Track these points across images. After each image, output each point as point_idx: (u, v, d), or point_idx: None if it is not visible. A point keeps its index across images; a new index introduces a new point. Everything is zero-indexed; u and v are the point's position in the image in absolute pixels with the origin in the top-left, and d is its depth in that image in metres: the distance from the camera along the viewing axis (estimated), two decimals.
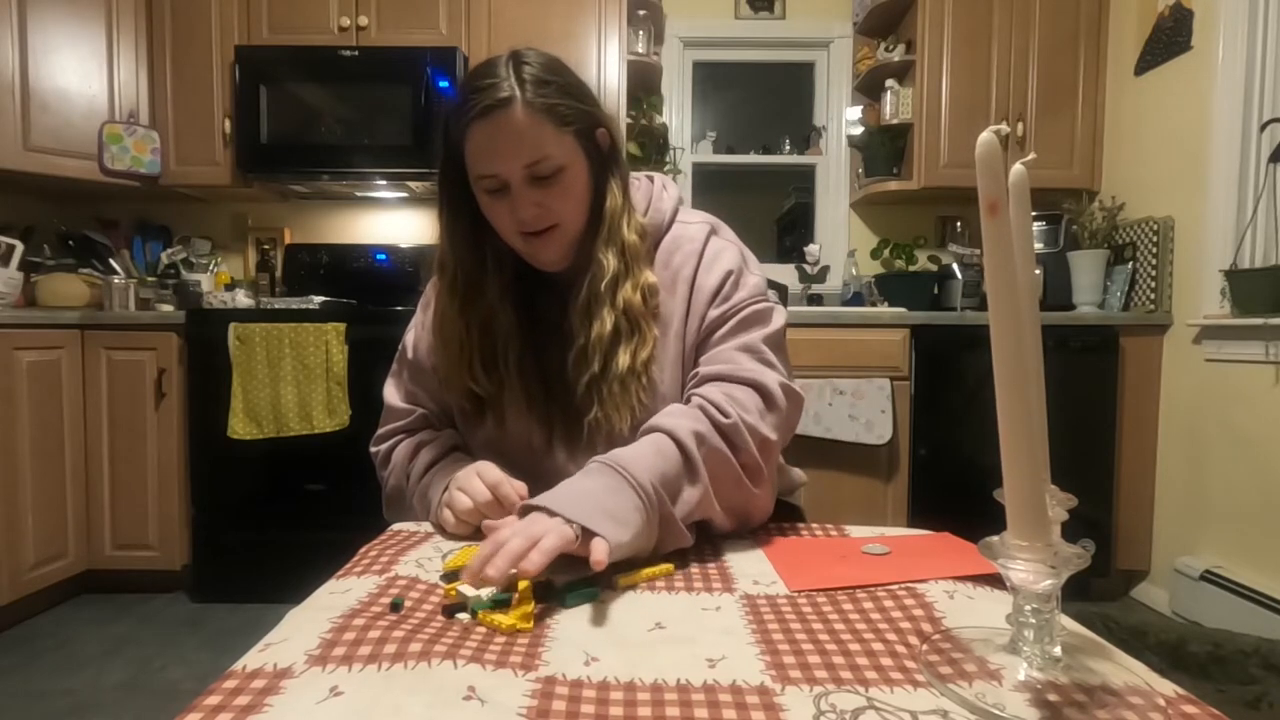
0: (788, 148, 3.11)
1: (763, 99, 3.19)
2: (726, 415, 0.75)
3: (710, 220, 0.92)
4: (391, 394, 0.96)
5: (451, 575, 0.61)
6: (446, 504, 0.77)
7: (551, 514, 0.62)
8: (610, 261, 0.83)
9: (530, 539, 0.58)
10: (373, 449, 0.95)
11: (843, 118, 2.98)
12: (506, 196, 0.80)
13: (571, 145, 0.81)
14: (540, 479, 0.76)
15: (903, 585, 0.60)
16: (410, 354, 0.95)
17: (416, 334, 0.96)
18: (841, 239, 3.00)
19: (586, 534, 0.61)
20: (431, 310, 0.92)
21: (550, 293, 0.89)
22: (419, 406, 0.94)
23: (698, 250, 0.88)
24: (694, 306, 0.86)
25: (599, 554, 0.59)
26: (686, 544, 0.71)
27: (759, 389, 0.79)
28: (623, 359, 0.82)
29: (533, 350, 0.87)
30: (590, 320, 0.83)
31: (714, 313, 0.85)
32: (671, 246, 0.89)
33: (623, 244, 0.84)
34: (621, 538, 0.62)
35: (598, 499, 0.64)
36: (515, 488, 0.74)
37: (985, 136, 0.39)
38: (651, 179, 0.93)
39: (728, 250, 0.89)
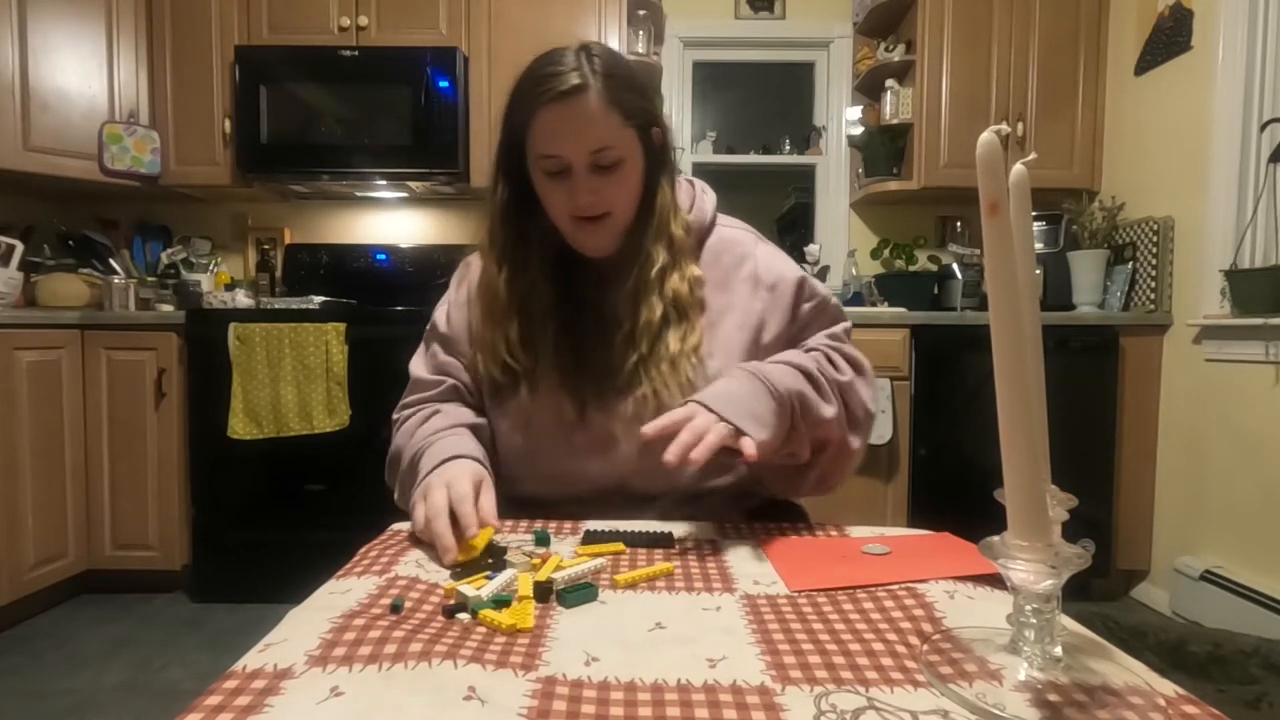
0: (788, 148, 3.11)
1: (763, 99, 3.19)
2: (842, 374, 0.86)
3: (749, 227, 0.99)
4: (419, 367, 0.97)
5: (460, 573, 0.61)
6: (420, 498, 0.74)
7: (708, 410, 0.72)
8: (659, 253, 0.88)
9: (696, 434, 0.69)
10: (394, 416, 0.96)
11: (843, 118, 2.98)
12: (565, 180, 0.84)
13: (633, 139, 0.85)
14: (570, 451, 0.86)
15: (903, 585, 0.60)
16: (443, 327, 0.96)
17: (448, 308, 0.97)
18: (841, 239, 3.00)
19: (738, 432, 0.71)
20: (467, 284, 0.96)
21: (586, 271, 0.91)
22: (448, 378, 0.95)
23: (751, 252, 0.94)
24: (773, 301, 0.92)
25: (749, 450, 0.71)
26: (804, 456, 0.83)
27: (858, 363, 0.90)
28: (673, 343, 0.86)
29: (568, 326, 0.90)
30: (638, 306, 0.87)
31: (806, 306, 0.93)
32: (719, 247, 0.94)
33: (670, 238, 0.89)
34: (764, 436, 0.73)
35: (745, 403, 0.74)
36: (482, 513, 0.70)
37: (986, 137, 0.39)
38: (692, 182, 0.97)
39: (779, 254, 0.96)
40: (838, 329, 0.93)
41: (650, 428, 0.71)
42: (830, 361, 0.87)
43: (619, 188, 0.85)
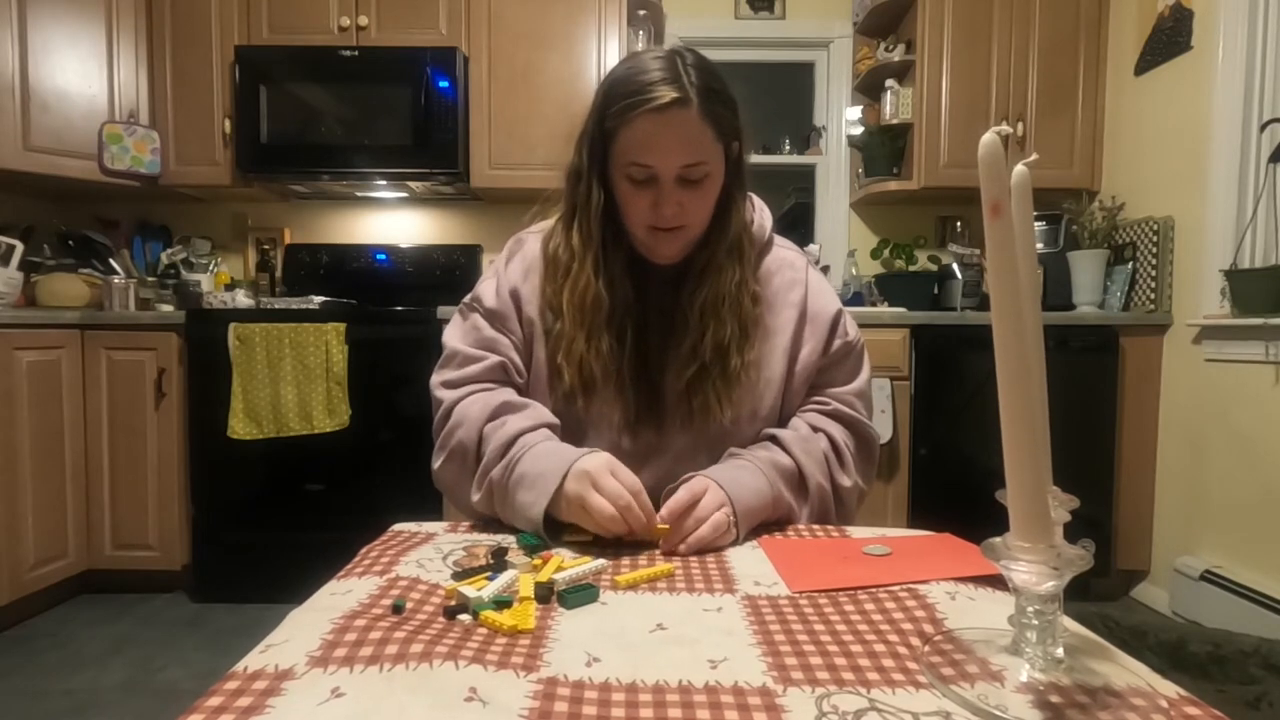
0: (788, 148, 3.10)
1: (763, 99, 3.19)
2: (847, 476, 0.90)
3: (800, 250, 1.00)
4: (456, 340, 0.93)
5: (462, 575, 0.61)
6: (581, 505, 0.72)
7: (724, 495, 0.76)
8: (734, 267, 0.89)
9: (716, 531, 0.72)
10: (443, 393, 0.90)
11: (843, 118, 2.98)
12: (650, 189, 0.84)
13: (720, 154, 0.85)
14: (618, 456, 0.82)
15: (904, 586, 0.60)
16: (491, 301, 0.93)
17: (498, 283, 0.94)
18: (841, 239, 3.00)
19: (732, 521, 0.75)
20: (522, 262, 0.94)
21: (655, 274, 0.92)
22: (493, 354, 0.91)
23: (802, 279, 0.96)
24: (811, 330, 0.94)
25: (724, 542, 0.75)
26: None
27: (868, 445, 0.94)
28: (733, 360, 0.88)
29: (639, 332, 0.90)
30: (706, 320, 0.88)
31: (838, 343, 0.95)
32: (773, 267, 0.96)
33: (742, 252, 0.90)
34: (746, 528, 0.77)
35: (752, 499, 0.78)
36: (644, 506, 0.72)
37: (988, 138, 0.39)
38: (751, 198, 0.97)
39: (827, 285, 0.99)
40: (861, 382, 0.96)
41: (671, 508, 0.73)
42: (837, 455, 0.90)
43: (700, 202, 0.85)
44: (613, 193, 0.87)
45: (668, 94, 0.79)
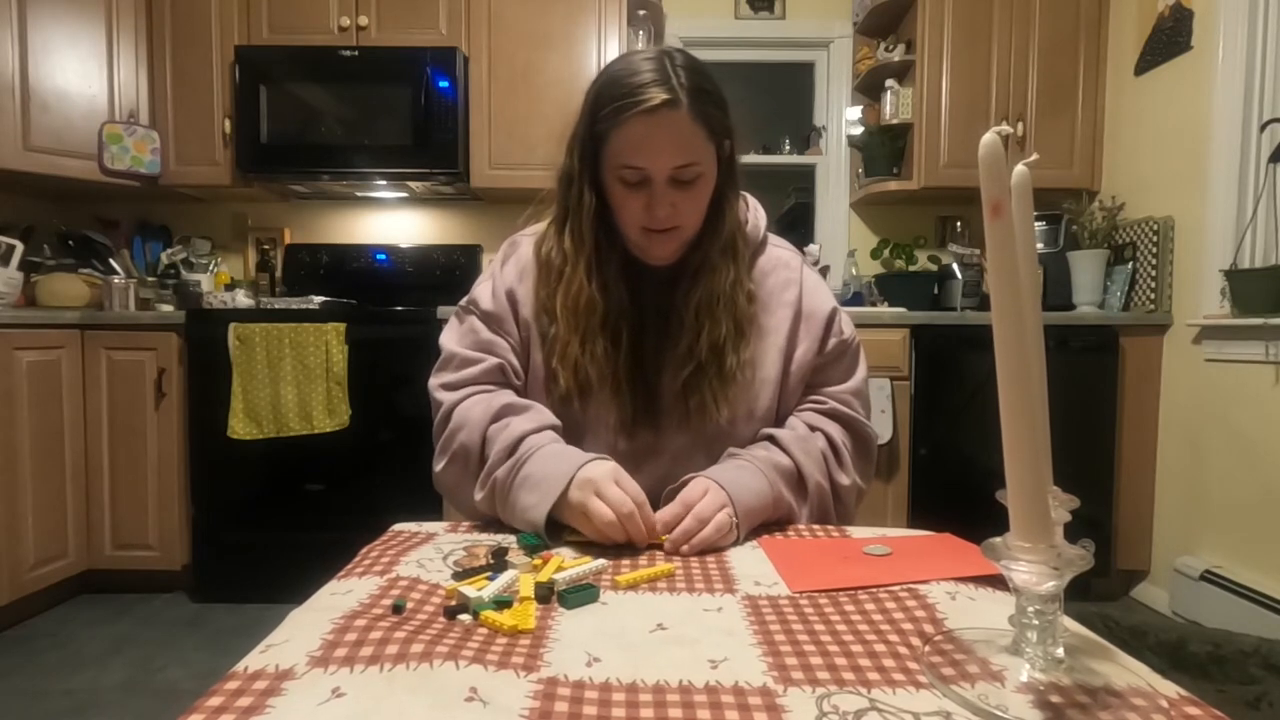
0: (788, 148, 3.11)
1: (763, 99, 3.19)
2: (846, 475, 0.90)
3: (795, 249, 1.00)
4: (453, 342, 0.93)
5: (462, 575, 0.61)
6: (583, 511, 0.72)
7: (724, 495, 0.75)
8: (728, 266, 0.89)
9: (719, 532, 0.72)
10: (442, 395, 0.90)
11: (843, 118, 2.98)
12: (643, 190, 0.84)
13: (712, 154, 0.85)
14: (614, 458, 0.82)
15: (904, 586, 0.60)
16: (488, 304, 0.93)
17: (493, 285, 0.94)
18: (841, 239, 3.00)
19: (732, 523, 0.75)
20: (516, 264, 0.94)
21: (650, 275, 0.91)
22: (492, 356, 0.91)
23: (796, 278, 0.96)
24: (806, 329, 0.94)
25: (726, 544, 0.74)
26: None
27: (865, 443, 0.94)
28: (729, 359, 0.88)
29: (634, 334, 0.90)
30: (702, 319, 0.88)
31: (833, 342, 0.95)
32: (767, 266, 0.96)
33: (736, 250, 0.90)
34: (747, 528, 0.77)
35: (749, 501, 0.78)
36: (646, 518, 0.72)
37: (988, 138, 0.39)
38: (744, 198, 0.97)
39: (822, 284, 0.99)
40: (858, 381, 0.95)
41: (664, 520, 0.73)
42: (835, 455, 0.90)
43: (694, 202, 0.85)
44: (605, 195, 0.87)
45: (658, 95, 0.79)
